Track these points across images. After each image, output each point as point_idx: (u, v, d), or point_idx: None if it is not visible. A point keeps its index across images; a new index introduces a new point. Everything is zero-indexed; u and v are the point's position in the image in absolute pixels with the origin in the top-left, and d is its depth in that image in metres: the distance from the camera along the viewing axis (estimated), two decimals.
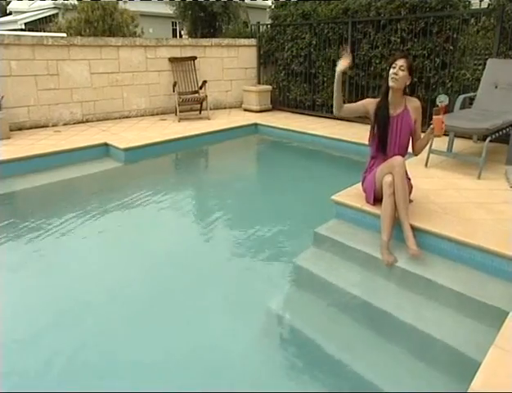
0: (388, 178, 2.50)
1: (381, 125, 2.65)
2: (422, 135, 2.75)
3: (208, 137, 5.61)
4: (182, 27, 15.37)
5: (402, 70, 2.53)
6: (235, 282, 2.58)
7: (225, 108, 7.63)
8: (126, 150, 4.75)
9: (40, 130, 5.66)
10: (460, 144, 4.30)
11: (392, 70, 2.55)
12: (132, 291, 2.46)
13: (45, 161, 4.40)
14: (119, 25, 10.80)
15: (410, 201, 2.81)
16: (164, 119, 6.56)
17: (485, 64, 4.31)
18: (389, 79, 2.56)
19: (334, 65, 6.19)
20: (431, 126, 2.57)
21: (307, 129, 5.75)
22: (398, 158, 2.49)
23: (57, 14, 16.20)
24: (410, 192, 2.79)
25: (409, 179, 2.77)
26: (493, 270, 2.17)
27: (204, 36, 10.78)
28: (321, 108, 6.69)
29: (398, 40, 5.34)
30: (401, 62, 2.53)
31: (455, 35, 4.96)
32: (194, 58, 6.89)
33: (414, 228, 2.46)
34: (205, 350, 2.02)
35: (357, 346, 2.05)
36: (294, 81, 6.99)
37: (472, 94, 4.38)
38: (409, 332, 2.01)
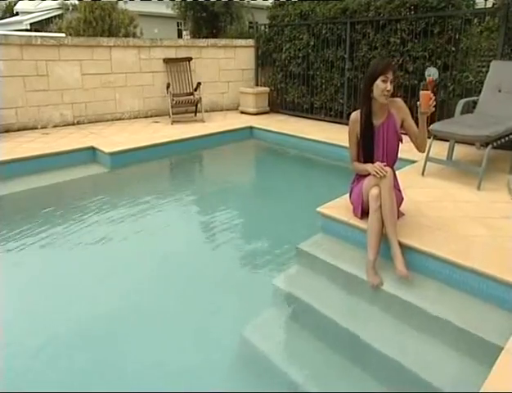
0: (374, 191, 2.28)
1: (366, 137, 2.42)
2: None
3: (200, 141, 5.41)
4: (186, 27, 15.23)
5: (392, 82, 2.30)
6: (208, 305, 2.35)
7: (221, 110, 7.45)
8: (112, 154, 4.57)
9: (28, 132, 5.52)
10: (462, 150, 4.05)
11: (383, 85, 2.28)
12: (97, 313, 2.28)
13: (25, 166, 4.22)
14: (117, 26, 10.69)
15: (401, 214, 2.60)
16: (158, 122, 6.40)
17: (489, 66, 4.06)
18: (381, 95, 2.30)
19: (333, 67, 6.06)
20: (418, 103, 2.34)
21: (302, 133, 5.53)
22: (386, 169, 2.27)
23: (63, 14, 16.18)
24: (400, 205, 2.58)
25: (399, 191, 2.56)
26: (488, 297, 1.94)
27: (206, 36, 10.62)
28: (319, 111, 6.47)
29: (398, 41, 5.10)
30: (391, 74, 2.29)
31: (457, 36, 4.71)
32: (189, 59, 6.72)
33: (403, 246, 2.25)
34: (175, 377, 1.83)
35: (331, 377, 1.84)
36: (292, 83, 6.78)
37: (474, 98, 4.13)
38: (390, 365, 1.79)
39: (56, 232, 3.17)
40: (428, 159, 3.45)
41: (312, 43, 6.19)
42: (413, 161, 3.92)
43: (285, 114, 7.04)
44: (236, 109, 7.41)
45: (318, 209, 2.74)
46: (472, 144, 4.29)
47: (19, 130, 5.57)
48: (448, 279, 2.09)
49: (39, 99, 5.70)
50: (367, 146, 2.45)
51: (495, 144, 3.25)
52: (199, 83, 6.48)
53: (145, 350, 2.01)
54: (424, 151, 2.55)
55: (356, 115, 2.46)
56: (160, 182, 4.72)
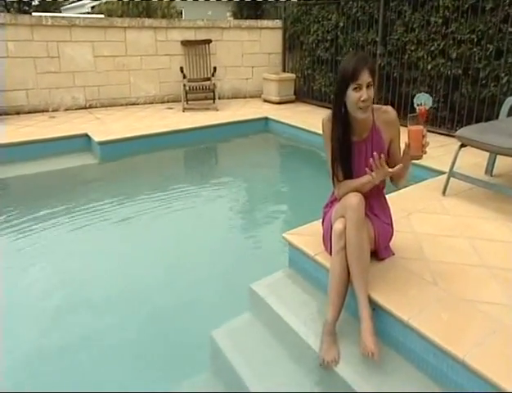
0: (338, 225, 1.66)
1: (341, 154, 1.75)
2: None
3: (203, 132, 4.91)
4: (229, 9, 14.74)
5: (371, 86, 1.59)
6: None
7: (244, 97, 6.89)
8: (101, 143, 4.23)
9: (37, 115, 5.40)
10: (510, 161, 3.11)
11: (356, 95, 1.58)
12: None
13: (8, 153, 3.98)
14: (154, 7, 10.48)
15: (391, 253, 1.94)
16: (171, 108, 6.02)
17: None
18: (355, 108, 1.62)
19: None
20: (405, 142, 1.64)
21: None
22: (353, 196, 1.63)
23: None
24: (389, 241, 1.92)
25: (388, 225, 1.88)
26: None
27: (249, 18, 10.07)
28: None
29: (440, 21, 4.17)
30: (366, 76, 1.56)
31: None
32: (209, 41, 6.22)
33: (375, 305, 1.62)
34: None
35: None
36: (320, 69, 6.03)
37: None
38: None
39: None
40: (451, 173, 2.67)
41: (341, 24, 5.38)
42: (440, 172, 3.12)
43: (312, 104, 6.32)
44: (260, 96, 6.81)
45: (284, 234, 2.16)
46: None
47: (29, 112, 5.47)
48: (431, 369, 1.44)
49: (50, 81, 5.54)
50: (344, 165, 1.79)
51: None
52: (214, 68, 5.97)
53: None
54: (400, 188, 1.80)
55: (328, 120, 1.80)
56: (139, 182, 3.97)
